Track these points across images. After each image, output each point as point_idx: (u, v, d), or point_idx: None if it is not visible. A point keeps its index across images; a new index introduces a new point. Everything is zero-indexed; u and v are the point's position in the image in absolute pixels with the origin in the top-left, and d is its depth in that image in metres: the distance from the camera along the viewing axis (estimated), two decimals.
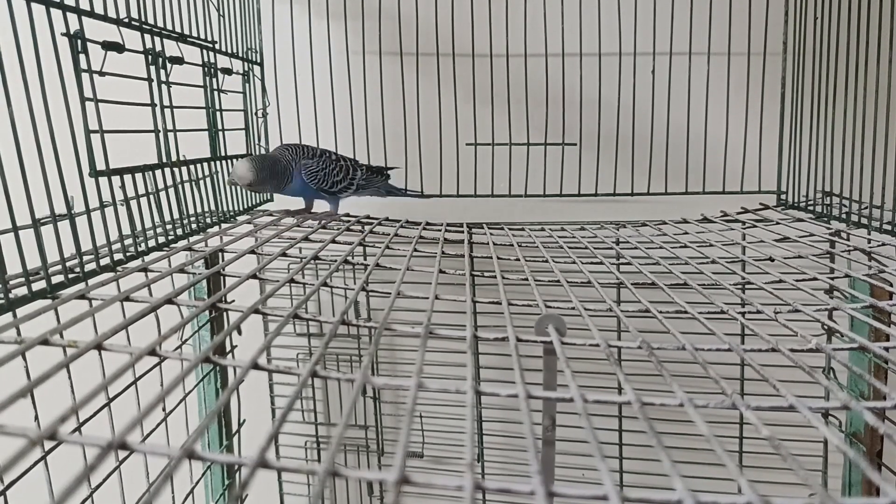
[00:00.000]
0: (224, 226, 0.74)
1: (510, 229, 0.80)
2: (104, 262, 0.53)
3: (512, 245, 0.68)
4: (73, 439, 0.26)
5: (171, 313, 0.48)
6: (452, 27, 0.88)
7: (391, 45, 0.90)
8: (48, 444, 0.45)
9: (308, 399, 1.01)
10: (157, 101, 0.61)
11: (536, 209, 0.93)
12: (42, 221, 0.48)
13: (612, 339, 0.40)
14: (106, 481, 0.57)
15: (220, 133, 0.77)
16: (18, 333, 0.37)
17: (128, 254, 0.56)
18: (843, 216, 0.72)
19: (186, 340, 0.77)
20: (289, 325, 0.69)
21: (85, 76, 0.51)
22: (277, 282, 0.49)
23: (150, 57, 0.60)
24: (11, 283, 0.45)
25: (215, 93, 0.75)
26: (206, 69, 0.73)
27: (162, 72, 0.62)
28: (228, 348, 0.85)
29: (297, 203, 0.82)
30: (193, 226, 0.69)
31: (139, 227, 0.59)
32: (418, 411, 0.98)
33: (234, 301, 0.52)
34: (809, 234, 0.67)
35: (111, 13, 0.55)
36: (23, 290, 0.45)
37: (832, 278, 0.54)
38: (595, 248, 0.66)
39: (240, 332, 0.41)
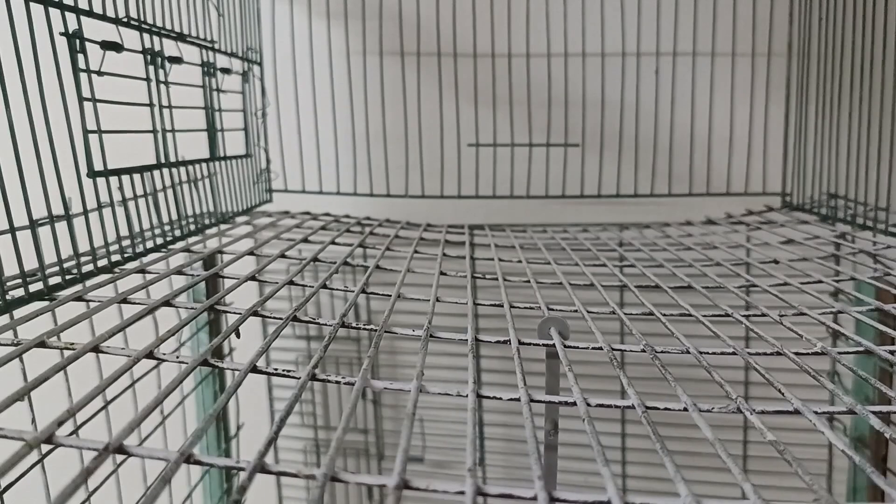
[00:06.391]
0: (223, 227, 0.74)
1: (512, 231, 0.79)
2: (102, 263, 0.52)
3: (514, 247, 0.68)
4: (70, 442, 0.26)
5: (170, 315, 0.48)
6: (454, 27, 0.88)
7: (392, 44, 0.90)
8: (45, 448, 0.45)
9: (307, 402, 1.00)
10: (155, 101, 0.61)
11: (539, 210, 0.93)
12: (39, 222, 0.48)
13: (615, 343, 0.40)
14: (103, 485, 0.57)
15: (219, 133, 0.76)
16: (15, 335, 0.37)
17: (125, 255, 0.55)
18: (849, 218, 0.72)
19: (185, 343, 0.77)
20: (288, 328, 0.69)
21: (83, 76, 0.51)
22: (276, 283, 0.48)
23: (148, 56, 0.60)
24: (8, 284, 0.45)
25: (214, 93, 0.75)
26: (205, 69, 0.73)
27: (161, 71, 0.61)
28: (227, 351, 0.85)
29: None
30: (192, 227, 0.69)
31: (137, 229, 0.59)
32: (419, 415, 0.97)
33: (232, 303, 0.52)
34: (814, 237, 0.67)
35: (110, 13, 0.54)
36: (20, 292, 0.45)
37: (837, 281, 0.53)
38: (598, 250, 0.65)
39: (238, 335, 0.40)
